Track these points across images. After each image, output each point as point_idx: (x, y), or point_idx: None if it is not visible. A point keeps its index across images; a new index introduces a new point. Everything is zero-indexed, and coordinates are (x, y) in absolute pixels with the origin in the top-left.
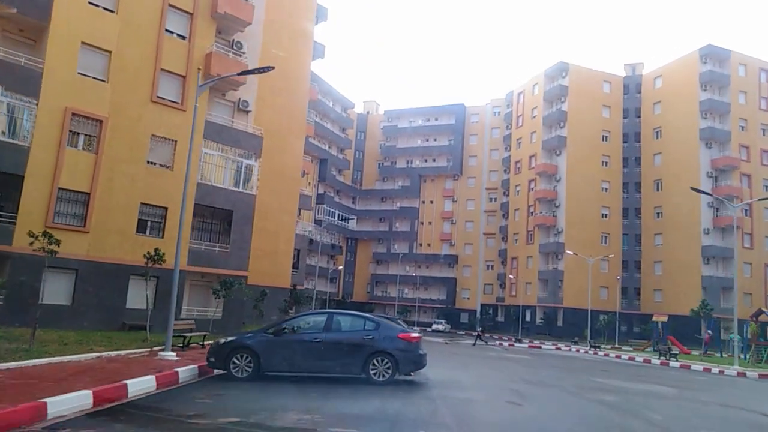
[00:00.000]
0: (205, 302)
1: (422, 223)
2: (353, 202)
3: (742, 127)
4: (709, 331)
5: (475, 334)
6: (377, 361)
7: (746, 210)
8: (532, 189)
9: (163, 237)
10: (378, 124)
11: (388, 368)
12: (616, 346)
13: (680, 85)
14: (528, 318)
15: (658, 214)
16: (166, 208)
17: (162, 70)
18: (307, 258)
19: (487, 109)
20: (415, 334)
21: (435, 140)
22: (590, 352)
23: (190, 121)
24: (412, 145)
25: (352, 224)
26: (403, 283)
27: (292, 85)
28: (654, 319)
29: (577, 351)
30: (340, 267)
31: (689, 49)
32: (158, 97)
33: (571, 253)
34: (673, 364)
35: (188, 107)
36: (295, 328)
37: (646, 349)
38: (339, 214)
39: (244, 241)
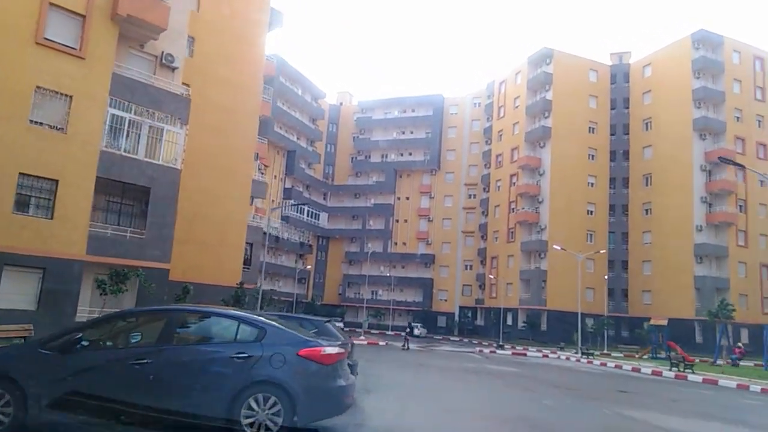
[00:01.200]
0: (114, 302)
1: (397, 221)
2: (324, 198)
3: (738, 118)
4: (740, 344)
5: (404, 334)
6: (256, 400)
7: (741, 206)
8: (514, 184)
9: (52, 218)
10: (351, 116)
11: (277, 413)
12: (605, 352)
13: (672, 73)
14: (509, 321)
15: (647, 210)
16: (56, 181)
17: (52, 4)
18: (272, 255)
19: (467, 100)
20: (331, 349)
21: (411, 133)
22: (583, 360)
23: (92, 72)
24: (387, 138)
25: (323, 221)
26: (377, 284)
27: (242, 51)
28: (652, 322)
29: (567, 359)
30: (309, 267)
31: (679, 37)
32: (46, 38)
33: (559, 248)
34: (693, 378)
35: (90, 54)
36: (105, 339)
37: (644, 357)
38: (309, 211)
39: (165, 226)
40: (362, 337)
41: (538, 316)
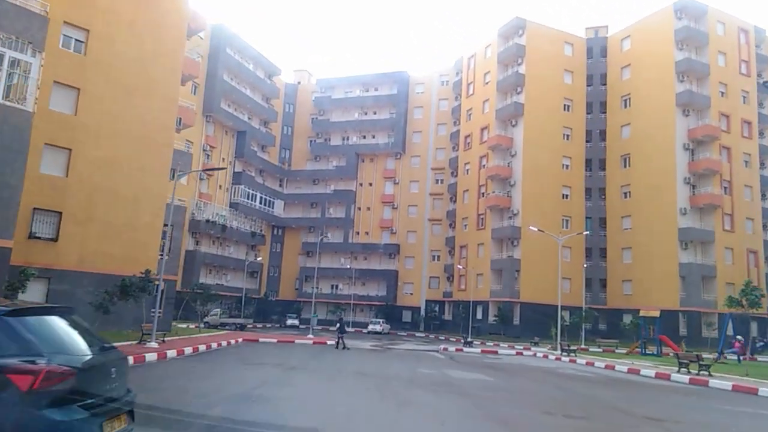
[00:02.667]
0: None
1: (359, 209)
2: (280, 185)
3: (722, 93)
4: (739, 337)
5: (336, 330)
6: None
7: (726, 188)
8: (484, 166)
9: None
10: (310, 96)
11: None
12: (582, 347)
13: (653, 46)
14: (479, 315)
15: (626, 193)
16: None
17: None
18: (218, 246)
19: (434, 77)
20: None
21: (375, 113)
22: (564, 358)
23: None
24: (348, 119)
25: (278, 209)
26: (338, 277)
27: None
28: (642, 314)
29: (546, 357)
30: (260, 258)
31: (659, 7)
32: None
33: (535, 229)
34: (717, 383)
35: None
36: None
37: (631, 353)
38: (262, 197)
39: (8, 189)
40: (310, 336)
41: (511, 309)
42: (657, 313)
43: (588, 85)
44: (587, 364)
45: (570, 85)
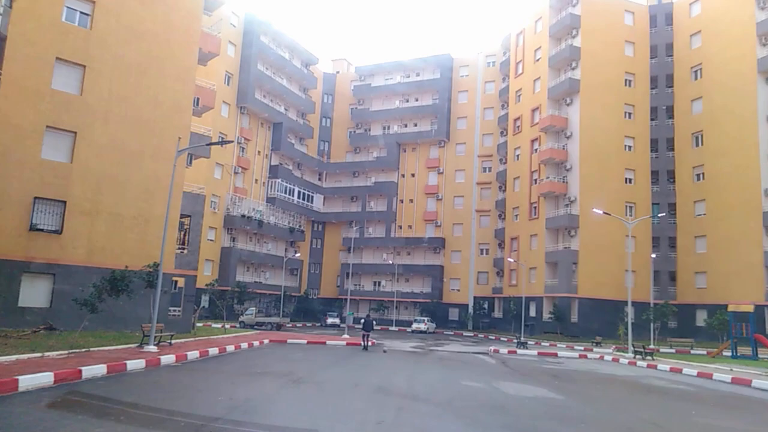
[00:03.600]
0: None
1: (402, 201)
2: (319, 179)
3: None
4: None
5: (361, 329)
6: None
7: None
8: (536, 150)
9: None
10: (349, 85)
11: None
12: (652, 347)
13: (728, 6)
14: (533, 312)
15: (698, 175)
16: None
17: None
18: (255, 243)
19: (479, 59)
20: None
21: (417, 100)
22: (641, 363)
23: None
24: (388, 107)
25: (318, 204)
26: (380, 273)
27: None
28: (731, 308)
29: (617, 361)
30: (298, 254)
31: None
32: None
33: (601, 212)
34: None
35: None
36: None
37: (717, 355)
38: (300, 192)
39: None
40: (345, 336)
41: (568, 305)
42: (750, 308)
43: (652, 57)
44: (672, 370)
45: (631, 58)
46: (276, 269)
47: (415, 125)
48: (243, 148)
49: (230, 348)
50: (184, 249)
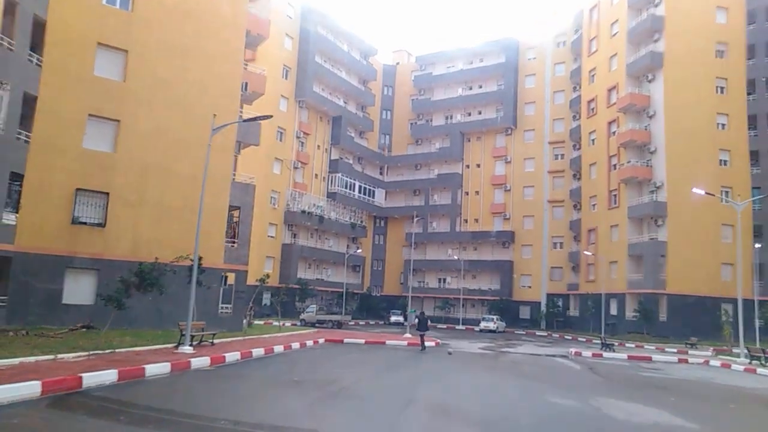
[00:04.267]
0: None
1: (467, 193)
2: (381, 173)
3: None
4: None
5: (417, 331)
6: None
7: None
8: (614, 133)
9: None
10: (409, 76)
11: None
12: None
13: None
14: (614, 311)
15: None
16: None
17: None
18: (317, 239)
19: (547, 40)
20: None
21: (480, 87)
22: (763, 371)
23: None
24: (451, 96)
25: (380, 198)
26: (445, 269)
27: None
28: None
29: (726, 367)
30: (360, 250)
31: None
32: None
33: (702, 192)
34: None
35: None
36: None
37: None
38: (361, 186)
39: None
40: (407, 335)
41: (655, 302)
42: None
43: (749, 23)
44: None
45: (723, 26)
46: (338, 266)
47: (480, 113)
48: (302, 143)
49: (278, 348)
50: (233, 242)
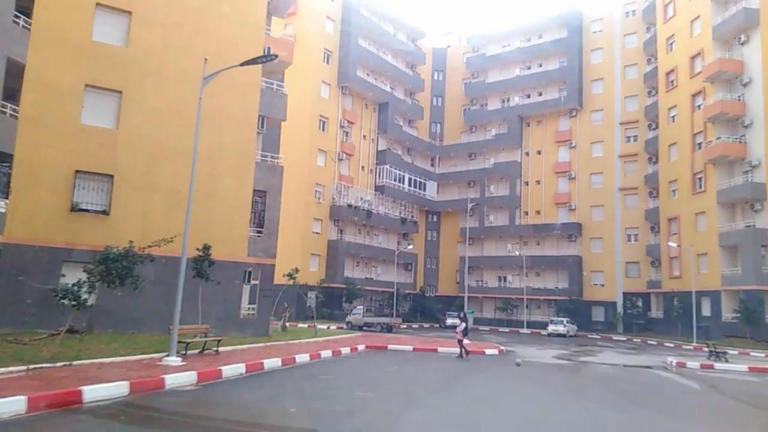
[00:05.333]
0: None
1: (527, 183)
2: (432, 164)
3: None
4: None
5: (456, 331)
6: None
7: None
8: (699, 107)
9: None
10: (461, 59)
11: None
12: None
13: None
14: (706, 311)
15: None
16: None
17: None
18: (365, 235)
19: (615, 9)
20: None
21: (540, 66)
22: None
23: None
24: (507, 77)
25: (431, 191)
26: (505, 267)
27: None
28: None
29: None
30: (411, 246)
31: None
32: None
33: None
34: None
35: None
36: None
37: None
38: (411, 179)
39: None
40: (466, 341)
41: (759, 301)
42: None
43: None
44: None
45: None
46: (388, 264)
47: (540, 95)
48: (347, 133)
49: (303, 358)
50: (260, 232)
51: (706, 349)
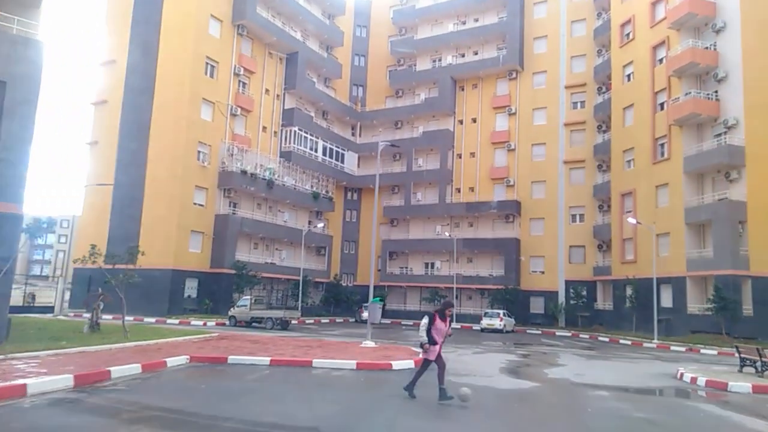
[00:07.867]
0: None
1: (460, 156)
2: (353, 133)
3: None
4: None
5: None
6: None
7: None
8: (661, 60)
9: None
10: (387, 12)
11: None
12: None
13: None
14: (667, 301)
15: None
16: None
17: None
18: (266, 211)
19: None
20: None
21: (476, 20)
22: None
23: None
24: (439, 33)
25: (351, 164)
26: (433, 252)
27: None
28: None
29: None
30: (321, 224)
31: None
32: None
33: None
34: None
35: None
36: None
37: None
38: (327, 147)
39: None
40: (368, 342)
41: (734, 288)
42: None
43: None
44: None
45: None
46: (296, 247)
47: (476, 53)
48: (243, 84)
49: (37, 388)
50: None
51: (738, 355)
